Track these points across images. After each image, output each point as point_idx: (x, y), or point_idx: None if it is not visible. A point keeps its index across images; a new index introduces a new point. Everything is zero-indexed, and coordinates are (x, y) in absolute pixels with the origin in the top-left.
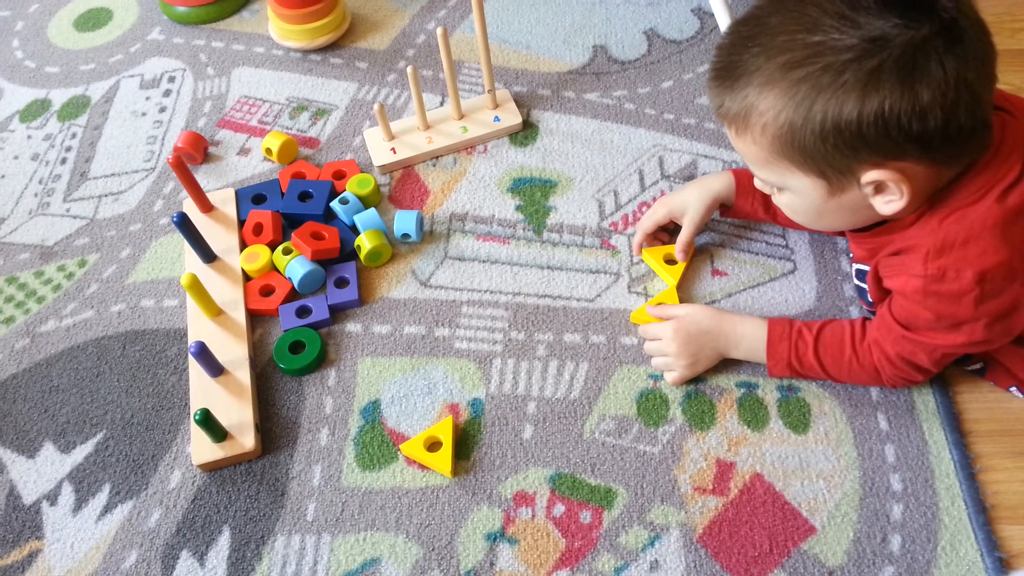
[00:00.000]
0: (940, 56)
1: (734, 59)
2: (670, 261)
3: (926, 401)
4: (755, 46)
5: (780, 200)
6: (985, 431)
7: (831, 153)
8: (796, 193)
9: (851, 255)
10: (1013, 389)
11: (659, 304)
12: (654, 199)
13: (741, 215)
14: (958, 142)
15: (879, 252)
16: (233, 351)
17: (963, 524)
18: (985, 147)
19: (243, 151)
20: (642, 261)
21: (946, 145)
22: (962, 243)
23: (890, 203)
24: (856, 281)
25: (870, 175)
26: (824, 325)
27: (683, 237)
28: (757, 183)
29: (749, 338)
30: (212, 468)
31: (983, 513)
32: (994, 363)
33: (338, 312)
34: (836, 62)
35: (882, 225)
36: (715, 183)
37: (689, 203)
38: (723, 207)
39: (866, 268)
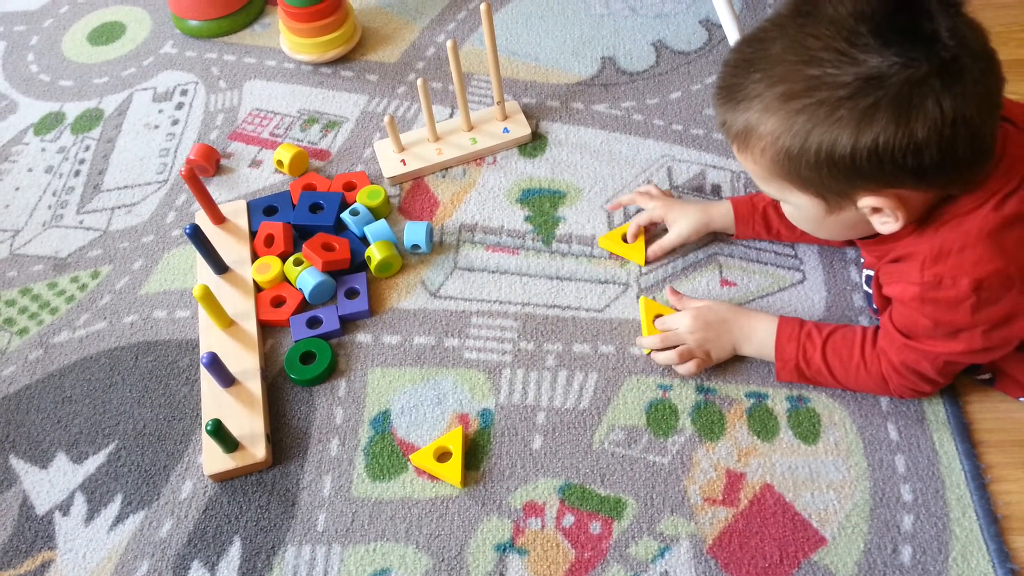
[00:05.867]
0: (937, 95)
1: (737, 81)
2: (627, 241)
3: (936, 411)
4: (756, 71)
5: (784, 208)
6: (996, 441)
7: (827, 180)
8: (796, 208)
9: (862, 261)
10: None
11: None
12: None
13: (746, 238)
14: (955, 171)
15: (882, 259)
16: (244, 362)
17: (974, 535)
18: (986, 170)
19: (255, 163)
20: (607, 250)
21: (942, 175)
22: (958, 250)
23: (885, 224)
24: (865, 287)
25: (866, 201)
26: (836, 329)
27: (664, 242)
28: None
29: (760, 332)
30: (223, 478)
31: (994, 524)
32: (1002, 373)
33: (348, 323)
34: (832, 97)
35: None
36: (716, 217)
37: (685, 220)
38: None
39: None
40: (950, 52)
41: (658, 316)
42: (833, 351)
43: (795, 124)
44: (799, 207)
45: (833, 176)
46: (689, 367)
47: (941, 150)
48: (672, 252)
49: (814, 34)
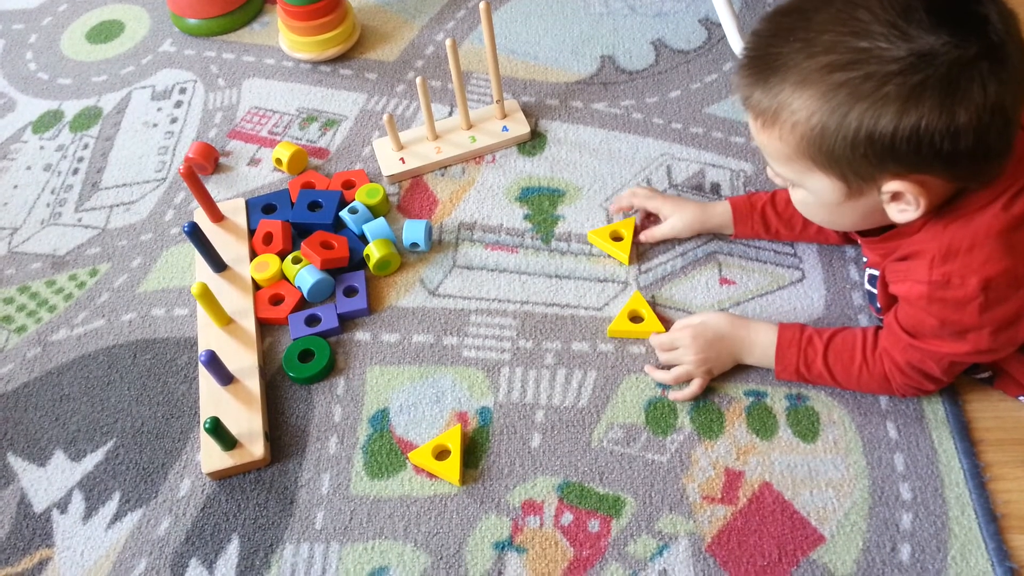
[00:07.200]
0: (983, 79)
1: (772, 51)
2: (616, 238)
3: (935, 410)
4: (796, 40)
5: (794, 195)
6: (995, 440)
7: (858, 161)
8: (812, 192)
9: (864, 259)
10: (1022, 398)
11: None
12: None
13: (744, 237)
14: (983, 161)
15: (888, 257)
16: (243, 360)
17: (973, 534)
18: (1005, 165)
19: (253, 161)
20: (593, 244)
21: (971, 164)
22: (967, 249)
23: (904, 212)
24: (867, 286)
25: (891, 185)
26: (836, 332)
27: (656, 231)
28: (771, 174)
29: (761, 343)
30: (221, 476)
31: (993, 523)
32: (1002, 372)
33: (347, 321)
34: (880, 72)
35: (891, 229)
36: (713, 216)
37: (680, 215)
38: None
39: (877, 273)
40: (999, 36)
41: (635, 316)
42: (835, 355)
43: (836, 98)
44: (816, 192)
45: (866, 157)
46: (692, 388)
47: (976, 136)
48: (664, 243)
49: (865, 5)
